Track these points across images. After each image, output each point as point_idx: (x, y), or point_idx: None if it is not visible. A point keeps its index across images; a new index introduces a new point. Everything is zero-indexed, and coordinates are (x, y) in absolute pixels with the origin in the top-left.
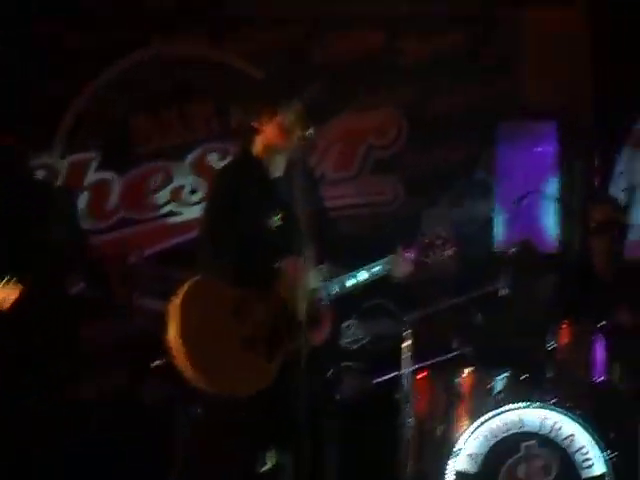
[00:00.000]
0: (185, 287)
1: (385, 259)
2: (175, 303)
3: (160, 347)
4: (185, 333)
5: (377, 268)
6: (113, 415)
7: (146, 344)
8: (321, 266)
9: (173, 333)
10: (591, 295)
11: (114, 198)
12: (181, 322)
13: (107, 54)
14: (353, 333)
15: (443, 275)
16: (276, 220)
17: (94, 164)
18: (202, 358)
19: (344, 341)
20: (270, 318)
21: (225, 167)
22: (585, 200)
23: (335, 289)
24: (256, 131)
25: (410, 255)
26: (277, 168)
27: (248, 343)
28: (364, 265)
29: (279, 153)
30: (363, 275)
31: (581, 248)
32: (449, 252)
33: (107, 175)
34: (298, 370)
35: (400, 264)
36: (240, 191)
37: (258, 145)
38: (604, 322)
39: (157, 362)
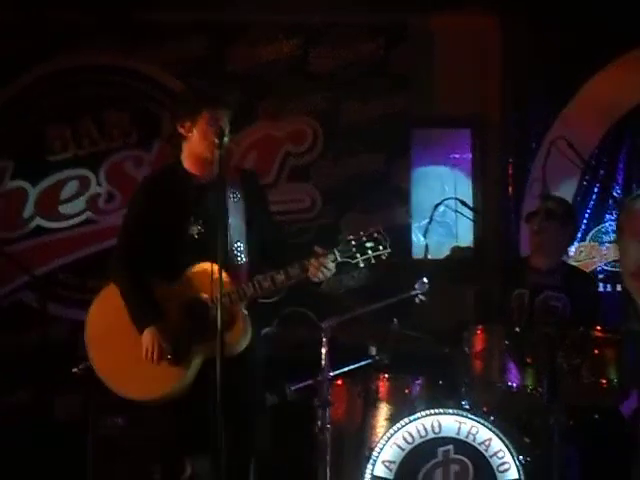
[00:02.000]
0: (98, 295)
1: (301, 261)
2: (89, 310)
3: (75, 357)
4: (94, 339)
5: (292, 270)
6: (21, 432)
7: (60, 354)
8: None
9: (86, 339)
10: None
11: (29, 206)
12: (91, 328)
13: (20, 62)
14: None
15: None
16: (195, 227)
17: (8, 172)
18: (111, 363)
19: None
20: (174, 321)
21: (150, 174)
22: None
23: (249, 291)
24: (182, 138)
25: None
26: (204, 175)
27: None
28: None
29: (205, 160)
30: (279, 277)
31: (497, 253)
32: (383, 253)
33: (22, 183)
34: (216, 375)
35: (317, 265)
36: (160, 198)
37: (185, 152)
38: (517, 329)
39: (76, 369)
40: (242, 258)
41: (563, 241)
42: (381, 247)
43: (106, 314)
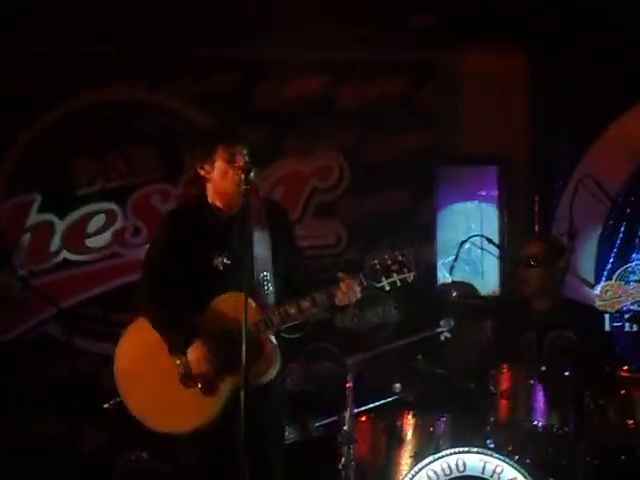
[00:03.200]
0: (126, 328)
1: (327, 287)
2: (117, 346)
3: (101, 391)
4: (124, 374)
5: (319, 296)
6: (50, 464)
7: (87, 388)
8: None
9: (115, 374)
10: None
11: (56, 240)
12: (121, 363)
13: (49, 97)
14: (296, 376)
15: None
16: (220, 259)
17: (36, 206)
18: (143, 398)
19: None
20: (205, 352)
21: (175, 208)
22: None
23: (275, 320)
24: (204, 179)
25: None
26: (230, 210)
27: (185, 378)
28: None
29: (228, 196)
30: (305, 304)
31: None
32: (409, 276)
33: (49, 217)
34: (245, 406)
35: (343, 290)
36: (183, 232)
37: (209, 189)
38: (543, 368)
39: (107, 404)
40: (269, 288)
41: (555, 280)
42: (406, 270)
43: (135, 349)
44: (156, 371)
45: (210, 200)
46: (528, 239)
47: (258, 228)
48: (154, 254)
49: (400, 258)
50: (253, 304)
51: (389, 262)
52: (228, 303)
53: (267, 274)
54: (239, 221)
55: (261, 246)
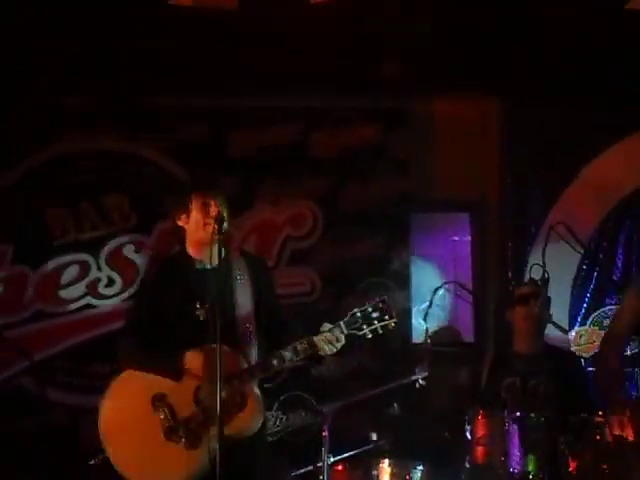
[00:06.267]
0: (111, 383)
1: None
2: (102, 399)
3: (76, 442)
4: (109, 431)
5: (300, 346)
6: None
7: (61, 440)
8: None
9: (101, 431)
10: (506, 380)
11: (29, 291)
12: (105, 420)
13: (20, 148)
14: (272, 424)
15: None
16: (200, 310)
17: (9, 257)
18: (126, 452)
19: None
20: (188, 404)
21: (157, 262)
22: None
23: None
24: (182, 230)
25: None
26: (209, 260)
27: (169, 431)
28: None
29: (204, 246)
30: (287, 354)
31: (496, 337)
32: (390, 323)
33: (22, 268)
34: (218, 455)
35: (325, 340)
36: (164, 283)
37: (188, 241)
38: (518, 413)
39: (92, 460)
40: (251, 338)
41: (542, 323)
42: (387, 317)
43: (119, 404)
44: (140, 426)
45: (188, 251)
46: (545, 278)
47: (239, 279)
48: (136, 305)
49: (380, 305)
50: (233, 354)
51: (369, 310)
52: (206, 353)
53: (250, 326)
54: (218, 271)
55: (243, 297)
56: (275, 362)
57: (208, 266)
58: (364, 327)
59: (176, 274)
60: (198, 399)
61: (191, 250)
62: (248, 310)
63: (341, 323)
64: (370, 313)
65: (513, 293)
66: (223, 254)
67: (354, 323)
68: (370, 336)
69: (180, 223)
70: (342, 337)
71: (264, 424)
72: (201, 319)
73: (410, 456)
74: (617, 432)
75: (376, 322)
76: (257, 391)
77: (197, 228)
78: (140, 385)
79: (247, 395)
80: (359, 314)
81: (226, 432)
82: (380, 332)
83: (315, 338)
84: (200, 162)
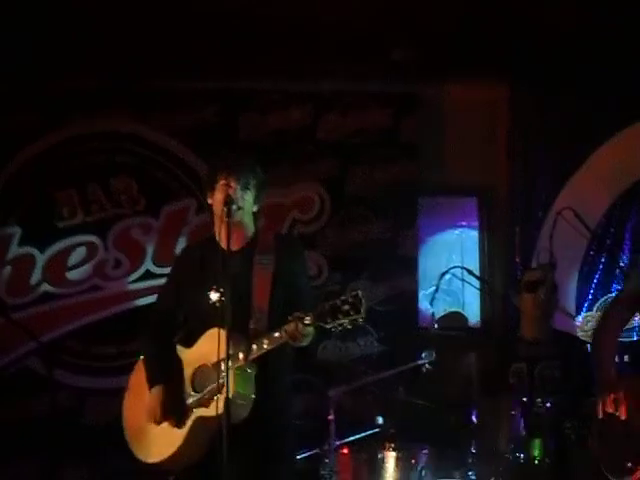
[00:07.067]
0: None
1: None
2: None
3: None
4: (127, 403)
5: (277, 333)
6: None
7: (68, 422)
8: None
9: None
10: (513, 366)
11: (37, 273)
12: (128, 393)
13: (31, 129)
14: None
15: None
16: (215, 295)
17: (16, 239)
18: (133, 427)
19: None
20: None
21: (185, 245)
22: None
23: (241, 355)
24: (211, 204)
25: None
26: (233, 242)
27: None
28: None
29: (228, 227)
30: (265, 342)
31: (502, 322)
32: (358, 318)
33: (29, 250)
34: (229, 440)
35: (296, 330)
36: (189, 268)
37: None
38: (525, 398)
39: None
40: (263, 322)
41: (549, 308)
42: (353, 312)
43: (137, 382)
44: (141, 404)
45: (215, 234)
46: (529, 268)
47: (263, 261)
48: (162, 289)
49: (351, 300)
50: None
51: (338, 303)
52: (211, 336)
53: (263, 313)
54: (240, 255)
55: (262, 280)
56: (255, 347)
57: (233, 247)
58: (328, 320)
59: (200, 256)
60: (195, 383)
61: (216, 231)
62: (264, 294)
63: (310, 314)
64: (339, 307)
65: (521, 279)
66: (249, 237)
67: (321, 315)
68: (334, 331)
69: (210, 202)
70: (309, 330)
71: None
72: (217, 305)
73: (416, 440)
74: (604, 413)
75: (341, 316)
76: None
77: (217, 209)
78: None
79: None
80: (327, 307)
81: (211, 414)
82: (348, 327)
83: (288, 327)
84: (210, 145)
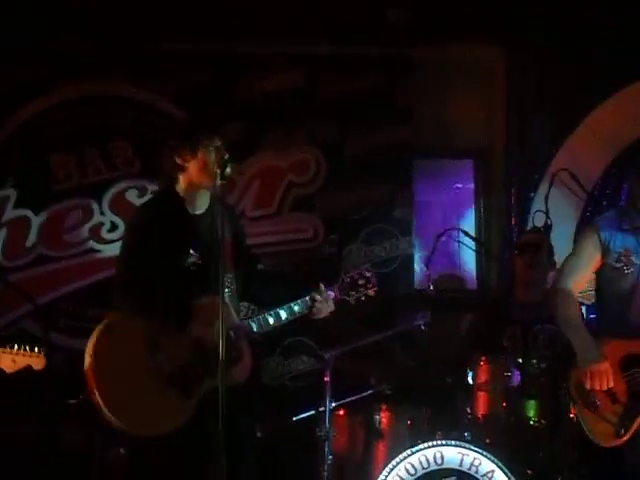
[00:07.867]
0: (101, 324)
1: (306, 298)
2: (90, 340)
3: (78, 387)
4: (99, 371)
5: (297, 307)
6: (24, 464)
7: (63, 384)
8: (242, 303)
9: (87, 371)
10: (508, 329)
11: (32, 235)
12: (95, 360)
13: (24, 93)
14: (273, 370)
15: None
16: (192, 258)
17: (11, 201)
18: (117, 396)
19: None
20: (187, 354)
21: (145, 204)
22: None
23: (255, 327)
24: (180, 169)
25: (331, 294)
26: (199, 206)
27: (166, 379)
28: (285, 302)
29: (201, 191)
30: (283, 314)
31: (498, 284)
32: (370, 292)
33: (25, 212)
34: (219, 407)
35: (321, 303)
36: (157, 228)
37: (182, 183)
38: (520, 360)
39: (74, 400)
40: (231, 290)
41: (544, 271)
42: (370, 285)
43: (111, 348)
44: (134, 372)
45: (181, 195)
46: (548, 225)
47: (224, 228)
48: (128, 250)
49: (366, 274)
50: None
51: (356, 277)
52: (208, 307)
53: (230, 276)
54: (209, 218)
55: (225, 247)
56: (272, 321)
57: (198, 211)
58: (351, 293)
59: (167, 217)
60: (196, 351)
61: (184, 192)
62: (229, 260)
63: (335, 288)
64: (357, 280)
65: (517, 241)
66: (221, 201)
67: (344, 289)
68: (353, 303)
69: (180, 162)
70: (332, 303)
71: (259, 372)
72: (191, 269)
73: (412, 401)
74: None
75: (361, 289)
76: (249, 345)
77: (199, 170)
78: (133, 331)
79: (242, 349)
80: (348, 280)
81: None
82: (362, 299)
83: (309, 301)
84: (204, 108)
